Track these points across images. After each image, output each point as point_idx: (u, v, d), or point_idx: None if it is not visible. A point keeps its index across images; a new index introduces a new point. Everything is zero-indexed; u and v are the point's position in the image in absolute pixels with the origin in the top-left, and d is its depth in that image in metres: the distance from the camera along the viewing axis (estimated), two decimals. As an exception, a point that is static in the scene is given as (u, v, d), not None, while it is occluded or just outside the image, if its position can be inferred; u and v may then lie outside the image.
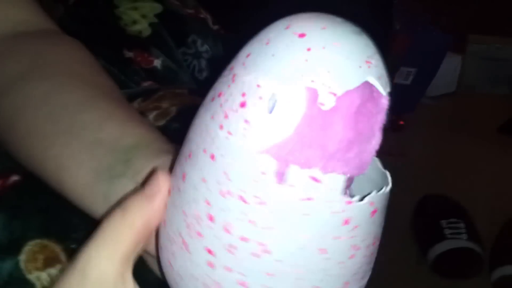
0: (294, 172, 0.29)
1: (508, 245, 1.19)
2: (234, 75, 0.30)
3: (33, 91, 0.49)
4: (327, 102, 0.28)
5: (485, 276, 1.18)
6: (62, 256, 0.45)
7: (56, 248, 0.45)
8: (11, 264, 0.44)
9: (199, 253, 0.32)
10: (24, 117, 0.48)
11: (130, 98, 0.66)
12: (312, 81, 0.28)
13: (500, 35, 1.78)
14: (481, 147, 1.55)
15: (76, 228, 0.47)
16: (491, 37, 1.79)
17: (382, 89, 0.29)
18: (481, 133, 1.60)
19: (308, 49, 0.28)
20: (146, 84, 0.71)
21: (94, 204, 0.44)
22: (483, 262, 1.18)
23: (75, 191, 0.45)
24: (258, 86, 0.29)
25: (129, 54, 0.72)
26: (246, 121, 0.29)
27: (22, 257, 0.45)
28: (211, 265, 0.32)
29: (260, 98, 0.28)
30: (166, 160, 0.42)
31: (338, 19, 0.29)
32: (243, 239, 0.30)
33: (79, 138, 0.45)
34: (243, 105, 0.29)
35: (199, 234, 0.31)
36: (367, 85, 0.28)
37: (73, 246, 0.46)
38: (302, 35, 0.29)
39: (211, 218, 0.31)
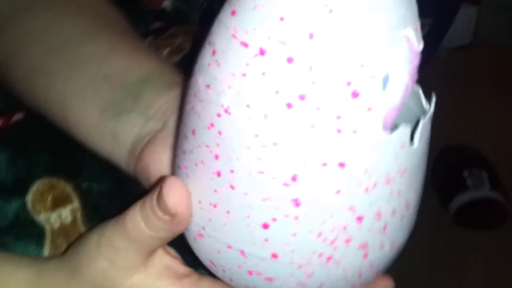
0: None
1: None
2: None
3: (34, 22, 0.46)
4: None
5: (509, 227, 1.14)
6: (73, 196, 0.42)
7: (67, 187, 0.42)
8: (17, 204, 0.41)
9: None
10: (26, 51, 0.45)
11: (141, 37, 0.62)
12: None
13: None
14: (499, 98, 1.52)
15: (88, 166, 0.43)
16: (508, -15, 1.73)
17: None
18: (498, 85, 1.56)
19: None
20: (155, 26, 0.68)
21: (102, 143, 0.41)
22: (507, 212, 1.15)
23: (81, 130, 0.42)
24: None
25: (136, -6, 0.69)
26: None
27: (29, 197, 0.41)
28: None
29: None
30: (177, 93, 0.39)
31: None
32: None
33: (83, 73, 0.43)
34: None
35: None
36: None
37: (85, 184, 0.42)
38: None
39: None
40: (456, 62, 1.68)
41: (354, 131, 0.27)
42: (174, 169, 0.34)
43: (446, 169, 1.23)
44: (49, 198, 0.41)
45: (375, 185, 0.29)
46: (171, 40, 0.61)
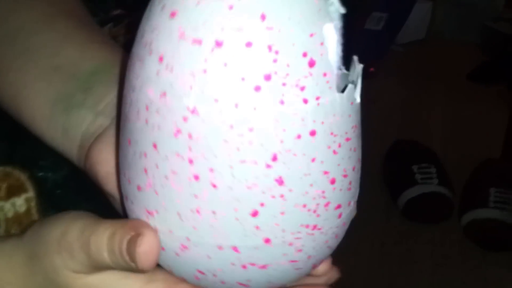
0: None
1: (477, 189, 1.19)
2: None
3: None
4: None
5: (455, 220, 1.18)
6: (28, 185, 0.42)
7: (22, 176, 0.42)
8: (-30, 193, 0.40)
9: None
10: None
11: (100, 25, 0.61)
12: None
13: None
14: (450, 94, 1.55)
15: (44, 155, 0.43)
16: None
17: None
18: (450, 80, 1.60)
19: None
20: (115, 12, 0.67)
21: (54, 137, 0.41)
22: (454, 207, 1.18)
23: (34, 123, 0.42)
24: None
25: (96, -20, 0.68)
26: None
27: None
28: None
29: None
30: None
31: None
32: None
33: (35, 63, 0.42)
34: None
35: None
36: None
37: (40, 174, 0.42)
38: None
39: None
40: (410, 57, 1.70)
41: (317, 98, 0.28)
42: (129, 191, 0.33)
43: (397, 164, 1.26)
44: (4, 187, 0.41)
45: (339, 145, 0.30)
46: (130, 28, 0.60)
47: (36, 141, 0.43)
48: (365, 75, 0.31)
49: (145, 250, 0.30)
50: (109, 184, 0.37)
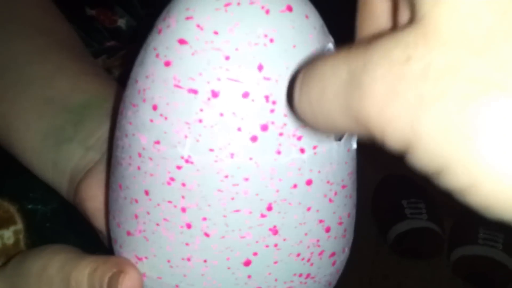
0: None
1: (466, 226, 1.19)
2: None
3: None
4: None
5: (444, 256, 1.17)
6: (17, 217, 0.41)
7: (11, 208, 0.41)
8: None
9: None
10: None
11: (94, 56, 0.61)
12: None
13: None
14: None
15: (34, 187, 0.43)
16: None
17: None
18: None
19: None
20: (109, 44, 0.67)
21: (44, 170, 0.40)
22: (443, 242, 1.18)
23: (24, 155, 0.41)
24: None
25: (91, 12, 0.68)
26: None
27: None
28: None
29: None
30: None
31: None
32: None
33: (27, 95, 0.42)
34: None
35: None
36: None
37: (30, 206, 0.42)
38: None
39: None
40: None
41: (314, 148, 0.28)
42: (118, 235, 0.32)
43: (386, 198, 1.25)
44: (-8, 219, 0.41)
45: (335, 193, 0.30)
46: (124, 60, 0.60)
47: (27, 173, 0.43)
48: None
49: None
50: (98, 220, 0.37)
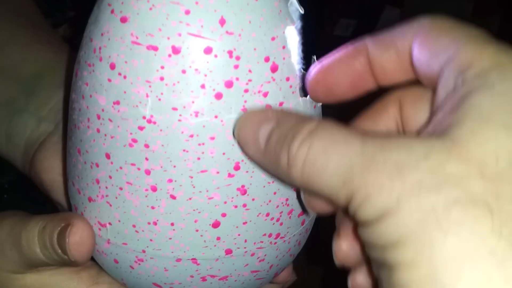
0: None
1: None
2: None
3: None
4: None
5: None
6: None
7: None
8: None
9: None
10: None
11: (55, 26, 0.60)
12: None
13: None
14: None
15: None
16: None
17: None
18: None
19: None
20: (72, 14, 0.66)
21: None
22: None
23: None
24: None
25: (53, -19, 0.66)
26: None
27: None
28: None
29: None
30: None
31: None
32: None
33: None
34: None
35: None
36: None
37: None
38: None
39: None
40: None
41: (281, 104, 0.27)
42: (79, 201, 0.31)
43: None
44: None
45: None
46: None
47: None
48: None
49: (76, 240, 0.29)
50: (56, 191, 0.35)
